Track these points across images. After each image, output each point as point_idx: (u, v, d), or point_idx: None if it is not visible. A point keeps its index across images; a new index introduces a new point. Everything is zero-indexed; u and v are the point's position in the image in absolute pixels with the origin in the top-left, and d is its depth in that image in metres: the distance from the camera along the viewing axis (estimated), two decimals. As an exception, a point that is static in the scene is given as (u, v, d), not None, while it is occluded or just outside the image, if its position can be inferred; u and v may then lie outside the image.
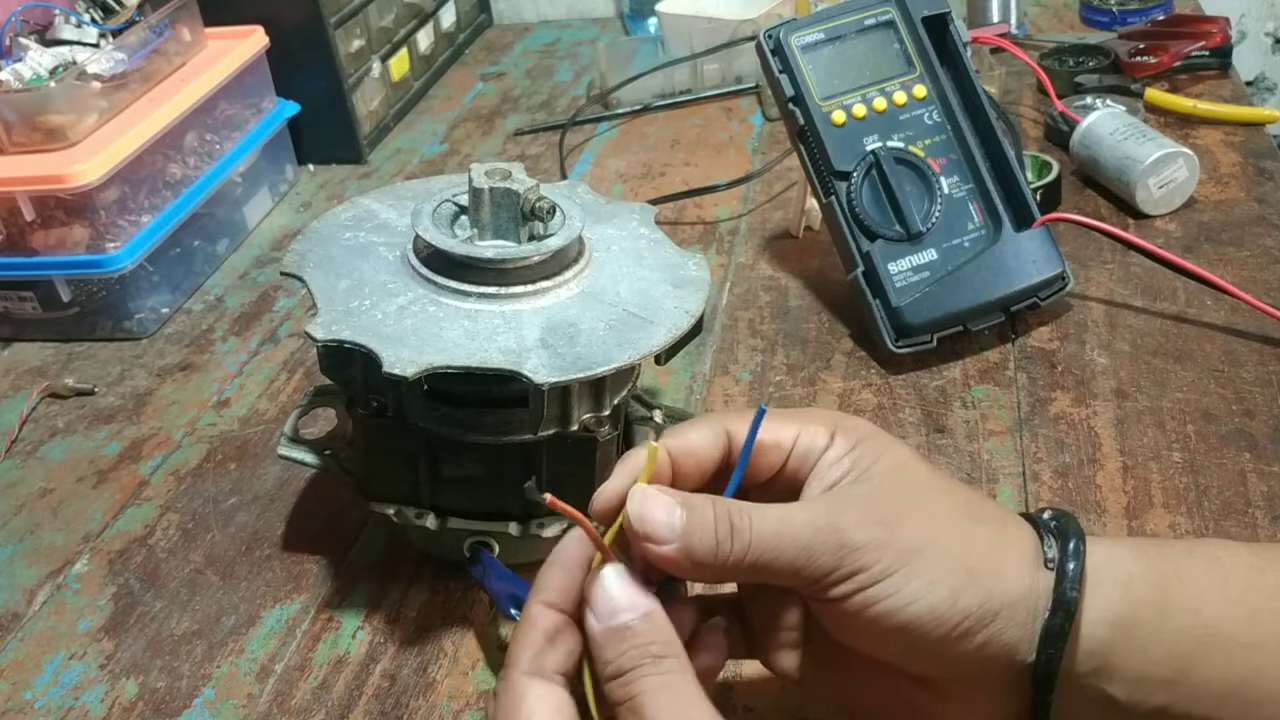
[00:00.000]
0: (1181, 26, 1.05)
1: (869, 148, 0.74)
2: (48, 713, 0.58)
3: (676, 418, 0.65)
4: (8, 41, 0.95)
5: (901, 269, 0.73)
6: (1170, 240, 0.81)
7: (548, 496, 0.39)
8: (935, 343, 0.73)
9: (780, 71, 0.74)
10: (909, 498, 0.41)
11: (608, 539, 0.40)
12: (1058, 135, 0.93)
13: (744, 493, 0.44)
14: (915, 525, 0.40)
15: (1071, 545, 0.41)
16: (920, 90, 0.75)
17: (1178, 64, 1.01)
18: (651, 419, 0.64)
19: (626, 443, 0.62)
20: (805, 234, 0.89)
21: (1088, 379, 0.70)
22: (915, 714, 0.43)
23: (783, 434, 0.43)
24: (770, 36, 0.75)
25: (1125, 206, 0.86)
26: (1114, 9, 1.15)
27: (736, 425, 0.43)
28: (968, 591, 0.39)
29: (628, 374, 0.58)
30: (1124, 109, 0.91)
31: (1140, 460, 0.63)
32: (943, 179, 0.74)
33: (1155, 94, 0.97)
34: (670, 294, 0.56)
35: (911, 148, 0.74)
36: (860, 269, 0.74)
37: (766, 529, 0.39)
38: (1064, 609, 0.40)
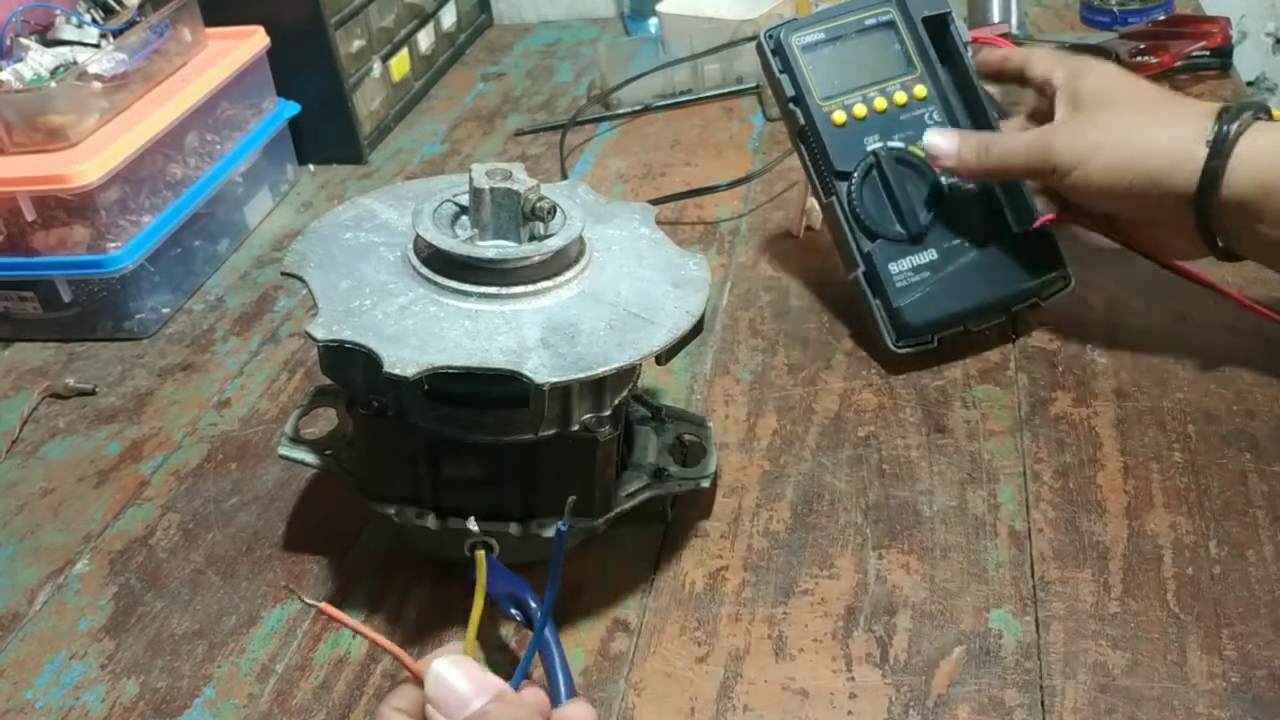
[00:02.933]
0: (1182, 26, 1.05)
1: (870, 148, 0.74)
2: (49, 712, 0.58)
3: (678, 418, 0.65)
4: (8, 42, 0.95)
5: (902, 269, 0.73)
6: (1171, 240, 0.81)
7: (323, 604, 0.40)
8: (936, 343, 0.73)
9: (781, 71, 0.74)
10: (1102, 110, 0.65)
11: (468, 640, 0.41)
12: (1058, 135, 0.93)
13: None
14: (1101, 130, 0.64)
15: (1241, 118, 0.60)
16: (921, 90, 0.75)
17: (1178, 64, 1.01)
18: (652, 419, 0.64)
19: (627, 443, 0.62)
20: (805, 234, 0.89)
21: (1088, 379, 0.70)
22: (1132, 234, 0.70)
23: (1041, 69, 0.70)
24: (771, 36, 0.75)
25: (1126, 206, 0.85)
26: (1115, 9, 1.15)
27: (1030, 60, 0.73)
28: (1130, 170, 0.62)
29: (628, 374, 0.58)
30: (1125, 109, 0.91)
31: (1141, 460, 0.63)
32: (943, 179, 0.74)
33: (1156, 94, 0.97)
34: (671, 294, 0.56)
35: (912, 148, 0.74)
36: (861, 269, 0.74)
37: (1005, 151, 0.68)
38: (1219, 145, 0.60)
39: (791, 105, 0.74)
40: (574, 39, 1.38)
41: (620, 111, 1.14)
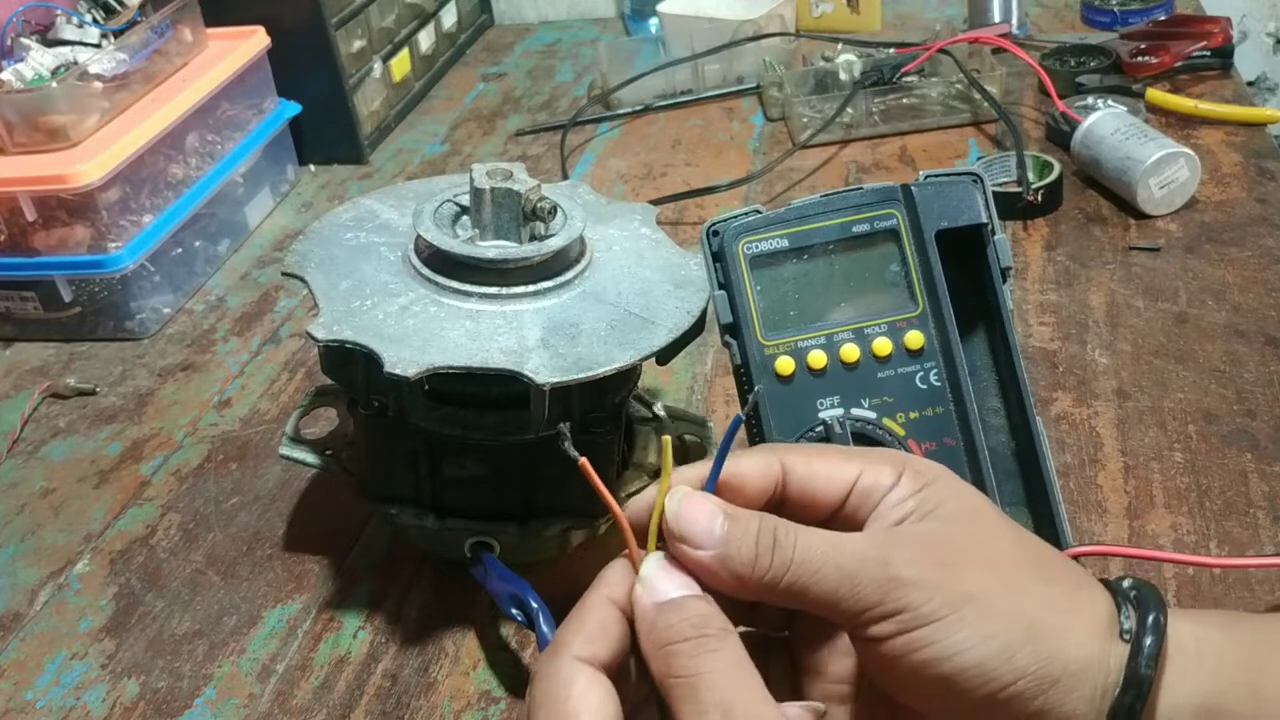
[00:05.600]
0: (1183, 27, 1.05)
1: (822, 414, 0.51)
2: (49, 712, 0.58)
3: (678, 418, 0.65)
4: (9, 42, 0.95)
5: None
6: (1172, 240, 0.81)
7: (582, 460, 0.38)
8: None
9: (720, 286, 0.52)
10: (973, 542, 0.38)
11: (651, 531, 0.39)
12: (1059, 135, 0.93)
13: None
14: (975, 571, 0.37)
15: (1151, 618, 0.37)
16: (915, 339, 0.51)
17: (1179, 64, 1.01)
18: (653, 419, 0.64)
19: (627, 443, 0.62)
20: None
21: (1089, 379, 0.70)
22: None
23: (844, 471, 0.40)
24: (714, 234, 0.52)
25: (1127, 207, 0.85)
26: (1115, 9, 1.15)
27: (793, 459, 0.40)
28: (1024, 649, 0.36)
29: (629, 374, 0.58)
30: (1125, 109, 0.91)
31: (1142, 460, 0.63)
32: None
33: (1156, 94, 0.97)
34: (671, 294, 0.56)
35: (887, 420, 0.51)
36: None
37: (812, 549, 0.37)
38: (1136, 687, 0.36)
39: (726, 336, 0.52)
40: (574, 39, 1.38)
41: (621, 112, 1.14)
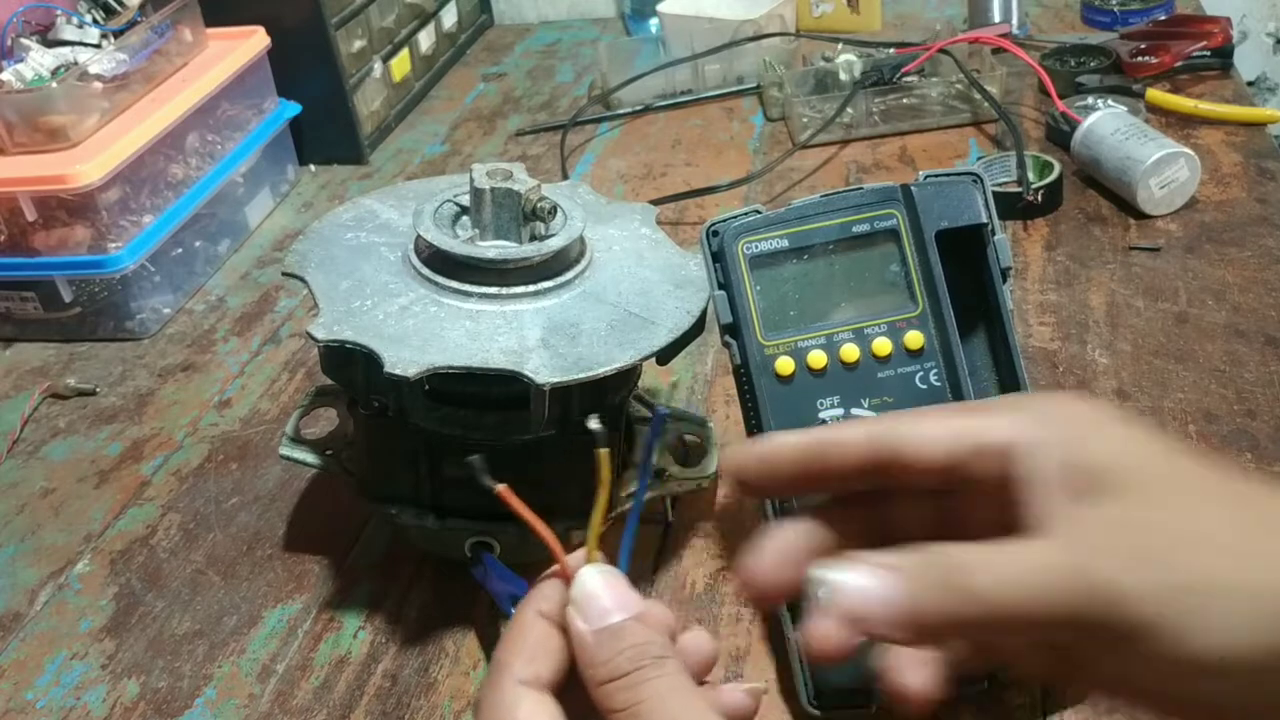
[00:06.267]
0: (1183, 27, 1.05)
1: (823, 415, 0.51)
2: (49, 712, 0.58)
3: (678, 418, 0.65)
4: (9, 42, 0.95)
5: None
6: (1172, 240, 0.81)
7: (500, 487, 0.39)
8: (875, 708, 0.51)
9: (720, 286, 0.53)
10: (1168, 510, 0.32)
11: (590, 542, 0.39)
12: (1059, 135, 0.93)
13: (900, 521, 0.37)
14: (1196, 549, 0.31)
15: None
16: (915, 339, 0.51)
17: (1179, 64, 1.01)
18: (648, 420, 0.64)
19: (627, 443, 0.62)
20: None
21: (1089, 379, 0.70)
22: None
23: (952, 427, 0.34)
24: (714, 234, 0.53)
25: (1126, 207, 0.85)
26: (1115, 9, 1.15)
27: (894, 423, 0.36)
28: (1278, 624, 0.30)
29: (629, 374, 0.58)
30: (1125, 109, 0.91)
31: (1141, 460, 0.63)
32: None
33: (1156, 94, 0.97)
34: (671, 294, 0.56)
35: None
36: None
37: (1001, 582, 0.31)
38: None
39: (726, 336, 0.53)
40: (574, 39, 1.38)
41: (621, 112, 1.14)
